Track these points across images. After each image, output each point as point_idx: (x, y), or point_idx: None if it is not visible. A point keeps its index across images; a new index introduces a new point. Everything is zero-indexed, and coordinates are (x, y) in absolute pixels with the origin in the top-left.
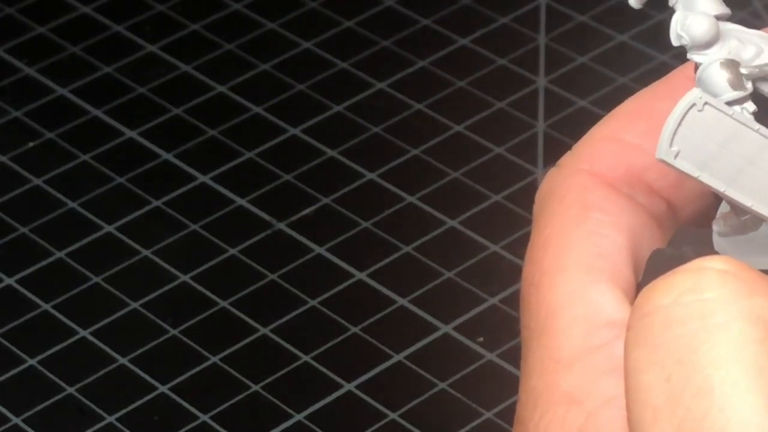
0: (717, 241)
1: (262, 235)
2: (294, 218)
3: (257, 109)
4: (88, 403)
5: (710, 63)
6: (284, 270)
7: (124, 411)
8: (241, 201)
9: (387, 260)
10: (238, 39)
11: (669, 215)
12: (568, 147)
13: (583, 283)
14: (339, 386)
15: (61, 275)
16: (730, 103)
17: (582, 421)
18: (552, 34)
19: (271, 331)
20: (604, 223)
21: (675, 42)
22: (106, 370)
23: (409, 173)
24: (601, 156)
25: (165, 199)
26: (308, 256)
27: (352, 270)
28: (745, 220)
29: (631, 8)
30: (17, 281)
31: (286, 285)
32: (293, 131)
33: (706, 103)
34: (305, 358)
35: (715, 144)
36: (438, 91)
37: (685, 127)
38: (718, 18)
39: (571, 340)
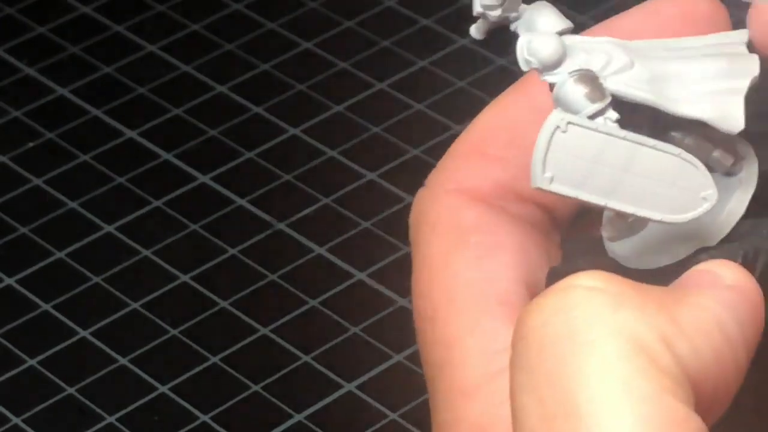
0: (609, 246)
1: (262, 235)
2: (294, 218)
3: (257, 109)
4: (88, 403)
5: (564, 81)
6: (284, 270)
7: (124, 411)
8: (241, 201)
9: (387, 260)
10: (238, 39)
11: (547, 219)
12: None
13: (475, 312)
14: (339, 386)
15: (61, 275)
16: (592, 117)
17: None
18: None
19: (271, 331)
20: (485, 245)
21: (524, 67)
22: (106, 370)
23: (409, 173)
24: (467, 172)
25: (165, 199)
26: (308, 256)
27: (352, 270)
28: (631, 222)
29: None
30: (17, 281)
31: (286, 285)
32: (293, 131)
33: (569, 123)
34: (305, 358)
35: (587, 161)
36: (438, 91)
37: (554, 151)
38: (562, 33)
39: (470, 370)
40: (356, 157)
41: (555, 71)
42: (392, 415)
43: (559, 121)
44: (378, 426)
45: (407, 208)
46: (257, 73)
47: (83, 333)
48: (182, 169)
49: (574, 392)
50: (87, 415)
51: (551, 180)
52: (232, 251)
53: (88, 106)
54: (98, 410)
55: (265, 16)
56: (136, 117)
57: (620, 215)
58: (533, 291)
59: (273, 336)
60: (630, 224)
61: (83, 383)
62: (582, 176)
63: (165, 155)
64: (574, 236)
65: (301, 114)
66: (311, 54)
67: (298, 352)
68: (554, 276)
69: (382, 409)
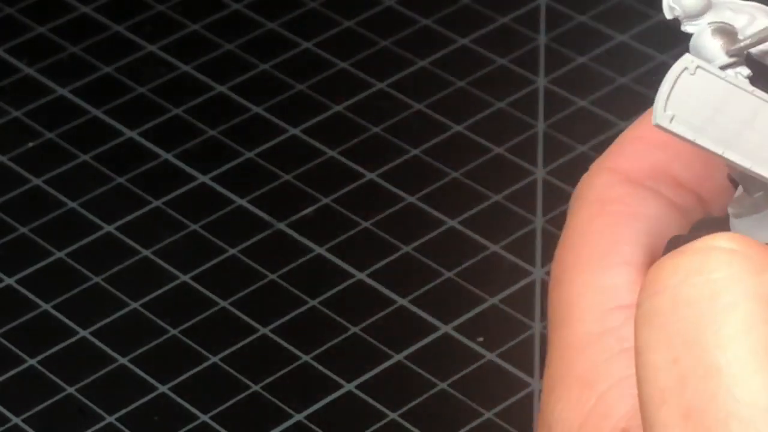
0: (734, 223)
1: (262, 235)
2: (294, 218)
3: (257, 109)
4: (88, 403)
5: (702, 30)
6: (284, 270)
7: (124, 411)
8: (241, 201)
9: (387, 260)
10: (238, 39)
11: (698, 208)
12: (568, 147)
13: (597, 270)
14: (339, 386)
15: (61, 275)
16: (723, 68)
17: (593, 402)
18: (552, 34)
19: (271, 331)
20: (621, 213)
21: (668, 14)
22: (106, 370)
23: (409, 173)
24: (626, 154)
25: (165, 199)
26: (308, 256)
27: (352, 270)
28: (757, 197)
29: (631, 8)
30: (17, 281)
31: (286, 285)
32: (293, 131)
33: (698, 67)
34: (305, 358)
35: (710, 107)
36: (438, 91)
37: (679, 92)
38: None
39: (584, 325)
40: (356, 157)
41: (696, 21)
42: (392, 415)
43: (689, 63)
44: (378, 426)
45: (407, 208)
46: (257, 73)
47: (83, 333)
48: (182, 169)
49: (713, 353)
50: (87, 415)
51: (671, 119)
52: (232, 251)
53: (88, 106)
54: (98, 410)
55: (265, 16)
56: (136, 117)
57: (748, 189)
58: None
59: (273, 336)
60: (756, 201)
61: (83, 383)
62: (703, 122)
63: (165, 155)
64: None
65: (301, 114)
66: (311, 54)
67: (298, 352)
68: (676, 243)
69: (382, 409)
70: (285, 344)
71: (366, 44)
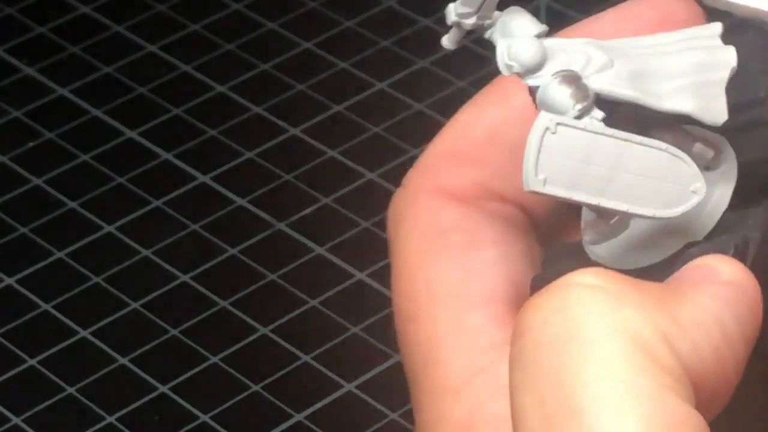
0: (591, 249)
1: (262, 235)
2: (294, 218)
3: (257, 109)
4: (88, 403)
5: (547, 83)
6: (284, 270)
7: (124, 411)
8: (241, 201)
9: (387, 260)
10: (238, 39)
11: (525, 219)
12: None
13: (459, 311)
14: (339, 386)
15: (61, 275)
16: (578, 117)
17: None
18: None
19: (271, 331)
20: (465, 242)
21: (506, 72)
22: (106, 370)
23: None
24: (445, 172)
25: (165, 199)
26: (308, 256)
27: (351, 270)
28: (614, 223)
29: None
30: (17, 281)
31: (286, 285)
32: (293, 131)
33: (558, 124)
34: (305, 358)
35: (578, 161)
36: (438, 91)
37: (546, 153)
38: (539, 36)
39: (455, 368)
40: (356, 157)
41: (537, 74)
42: (392, 415)
43: (549, 122)
44: (378, 426)
45: None
46: (257, 73)
47: (83, 333)
48: (182, 169)
49: (575, 391)
50: (87, 415)
51: (544, 182)
52: (232, 251)
53: (88, 106)
54: (98, 410)
55: (265, 16)
56: (136, 117)
57: (605, 215)
58: (518, 287)
59: (273, 336)
60: (612, 226)
61: (83, 383)
62: (574, 177)
63: (165, 155)
64: (552, 243)
65: (301, 114)
66: (311, 54)
67: (298, 352)
68: (539, 282)
69: (382, 409)
70: (285, 344)
71: (366, 44)
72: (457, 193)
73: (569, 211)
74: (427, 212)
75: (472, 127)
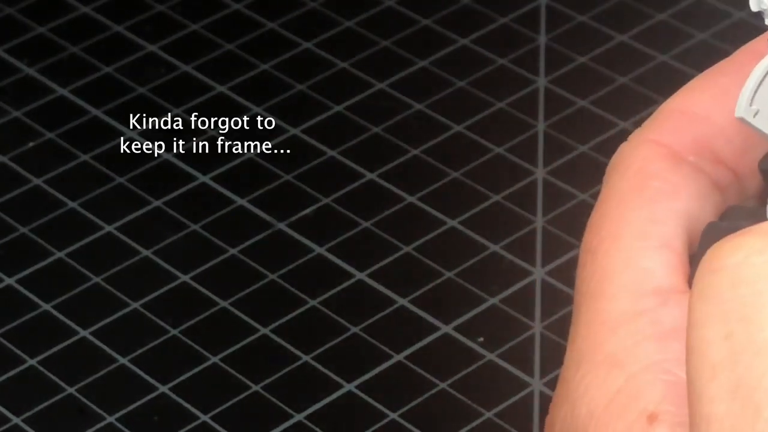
0: None
1: (262, 235)
2: (294, 218)
3: (257, 109)
4: (88, 403)
5: None
6: (284, 270)
7: (124, 411)
8: (241, 201)
9: (387, 260)
10: (238, 39)
11: (735, 185)
12: (568, 147)
13: (636, 249)
14: (339, 386)
15: (61, 275)
16: None
17: (621, 383)
18: (552, 34)
19: (271, 331)
20: (662, 191)
21: (754, 7)
22: (106, 370)
23: (409, 173)
24: (668, 127)
25: (165, 199)
26: (308, 256)
27: (352, 270)
28: None
29: (631, 8)
30: (17, 281)
31: (286, 285)
32: (293, 131)
33: None
34: (305, 358)
35: None
36: (438, 91)
37: (766, 87)
38: None
39: (618, 304)
40: (356, 157)
41: None
42: (392, 415)
43: None
44: (378, 426)
45: (407, 208)
46: (257, 73)
47: (83, 333)
48: (182, 169)
49: (767, 331)
50: (87, 415)
51: (755, 113)
52: (232, 251)
53: (88, 106)
54: (98, 410)
55: (265, 16)
56: (136, 117)
57: None
58: (692, 246)
59: (273, 336)
60: None
61: (83, 383)
62: None
63: (165, 155)
64: (730, 205)
65: (301, 114)
66: (311, 54)
67: (298, 352)
68: (713, 231)
69: (382, 409)
70: (285, 344)
71: (366, 44)
72: (676, 147)
73: None
74: (641, 160)
75: (702, 89)
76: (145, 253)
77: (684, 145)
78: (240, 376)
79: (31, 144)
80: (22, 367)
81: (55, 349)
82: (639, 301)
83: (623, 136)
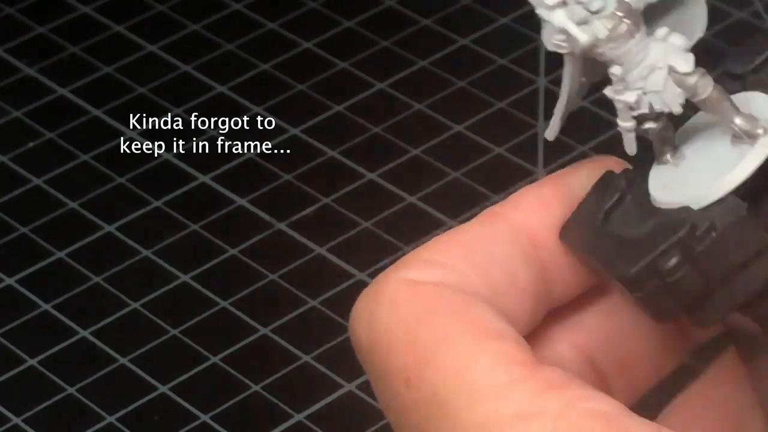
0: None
1: (262, 235)
2: (294, 218)
3: (257, 109)
4: (88, 403)
5: None
6: (284, 270)
7: (124, 411)
8: (241, 201)
9: (387, 260)
10: (238, 39)
11: (505, 312)
12: (568, 147)
13: (477, 344)
14: (339, 386)
15: (61, 275)
16: None
17: (550, 427)
18: None
19: (271, 331)
20: (456, 301)
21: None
22: (106, 370)
23: (409, 173)
24: (416, 271)
25: (165, 199)
26: (308, 256)
27: (351, 270)
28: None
29: None
30: (17, 281)
31: (286, 285)
32: (293, 131)
33: None
34: (305, 358)
35: None
36: (438, 91)
37: None
38: None
39: (490, 380)
40: (356, 157)
41: None
42: None
43: None
44: (378, 426)
45: (407, 208)
46: (257, 73)
47: (83, 333)
48: (182, 169)
49: None
50: (87, 415)
51: None
52: (232, 251)
53: (88, 106)
54: (98, 410)
55: (265, 16)
56: (136, 117)
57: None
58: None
59: (273, 336)
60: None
61: (83, 383)
62: None
63: (165, 155)
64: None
65: (301, 114)
66: (311, 54)
67: (298, 352)
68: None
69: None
70: (285, 344)
71: (366, 44)
72: (433, 282)
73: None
74: (404, 292)
75: (450, 241)
76: (145, 253)
77: (434, 283)
78: (240, 376)
79: (31, 144)
80: (22, 367)
81: (55, 349)
82: (512, 369)
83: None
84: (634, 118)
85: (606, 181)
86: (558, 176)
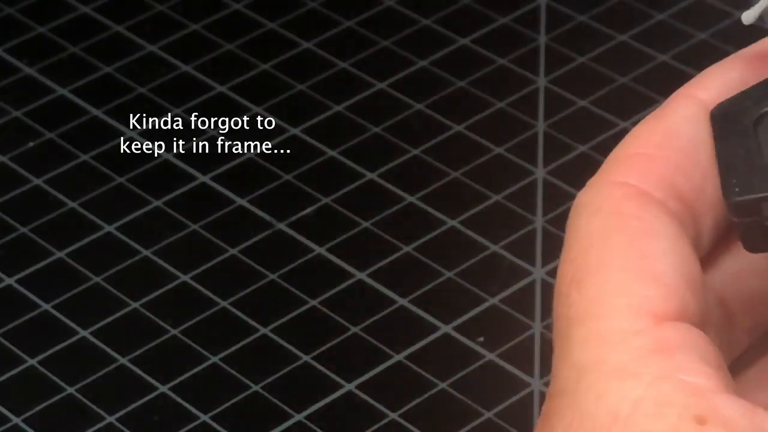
0: None
1: (262, 235)
2: (294, 218)
3: (257, 109)
4: (88, 403)
5: None
6: (284, 270)
7: (124, 411)
8: (241, 201)
9: (387, 260)
10: (238, 39)
11: (692, 222)
12: (568, 147)
13: (628, 280)
14: (339, 386)
15: (61, 275)
16: None
17: (641, 391)
18: (552, 34)
19: (271, 331)
20: (643, 230)
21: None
22: (106, 370)
23: (409, 173)
24: (630, 168)
25: (165, 199)
26: (308, 256)
27: (352, 270)
28: None
29: (631, 8)
30: (17, 281)
31: (286, 285)
32: (293, 131)
33: None
34: (305, 358)
35: None
36: (438, 91)
37: None
38: None
39: (615, 323)
40: (356, 157)
41: None
42: (392, 415)
43: None
44: (378, 426)
45: (407, 208)
46: (257, 73)
47: (83, 333)
48: (183, 169)
49: None
50: (87, 415)
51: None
52: (232, 251)
53: (88, 106)
54: (98, 410)
55: (265, 16)
56: (136, 117)
57: None
58: (690, 281)
59: (273, 336)
60: None
61: (83, 383)
62: None
63: (165, 155)
64: None
65: (301, 114)
66: (311, 54)
67: (298, 352)
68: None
69: (382, 409)
70: (285, 344)
71: (366, 44)
72: (642, 185)
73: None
74: (611, 200)
75: (651, 130)
76: (145, 253)
77: (649, 183)
78: (240, 376)
79: (31, 144)
80: (22, 367)
81: (55, 349)
82: (637, 320)
83: (623, 136)
84: None
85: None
86: (745, 55)
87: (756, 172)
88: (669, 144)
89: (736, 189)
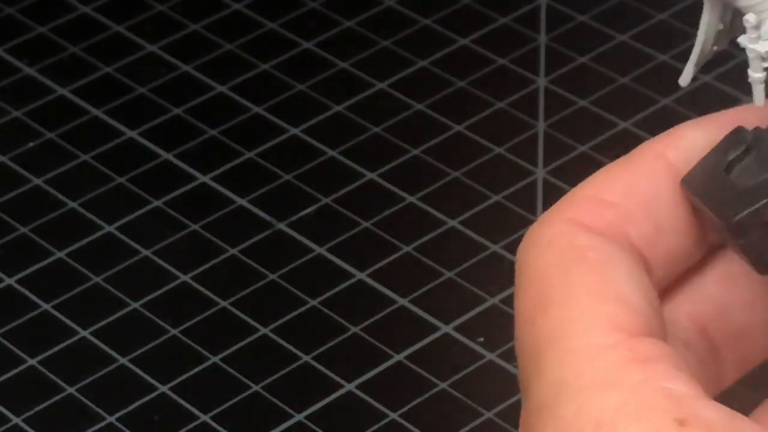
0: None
1: (262, 235)
2: (294, 218)
3: (257, 109)
4: (88, 403)
5: None
6: (284, 270)
7: (124, 411)
8: (241, 201)
9: (387, 260)
10: (238, 39)
11: (644, 266)
12: (568, 147)
13: (595, 302)
14: (339, 386)
15: (61, 275)
16: None
17: (621, 399)
18: (552, 34)
19: (271, 331)
20: (601, 259)
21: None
22: (106, 370)
23: (409, 173)
24: (583, 210)
25: (165, 199)
26: (308, 256)
27: (352, 270)
28: None
29: (631, 8)
30: (17, 281)
31: (286, 285)
32: (293, 131)
33: None
34: (305, 358)
35: None
36: (438, 91)
37: None
38: None
39: (589, 339)
40: (356, 157)
41: None
42: (393, 415)
43: None
44: (378, 426)
45: (407, 208)
46: (257, 73)
47: (83, 333)
48: (182, 169)
49: None
50: (87, 415)
51: None
52: (232, 251)
53: (88, 106)
54: (98, 410)
55: (265, 16)
56: (136, 117)
57: None
58: (652, 306)
59: (273, 336)
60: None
61: (83, 383)
62: None
63: (165, 155)
64: None
65: (301, 114)
66: (311, 54)
67: (298, 352)
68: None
69: (383, 409)
70: (285, 344)
71: (366, 44)
72: (593, 226)
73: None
74: (562, 235)
75: (613, 178)
76: (145, 253)
77: (599, 226)
78: (240, 376)
79: (31, 144)
80: (22, 367)
81: (55, 349)
82: (611, 335)
83: (623, 136)
84: (765, 69)
85: (735, 133)
86: (716, 117)
87: (744, 195)
88: (627, 194)
89: (731, 212)
